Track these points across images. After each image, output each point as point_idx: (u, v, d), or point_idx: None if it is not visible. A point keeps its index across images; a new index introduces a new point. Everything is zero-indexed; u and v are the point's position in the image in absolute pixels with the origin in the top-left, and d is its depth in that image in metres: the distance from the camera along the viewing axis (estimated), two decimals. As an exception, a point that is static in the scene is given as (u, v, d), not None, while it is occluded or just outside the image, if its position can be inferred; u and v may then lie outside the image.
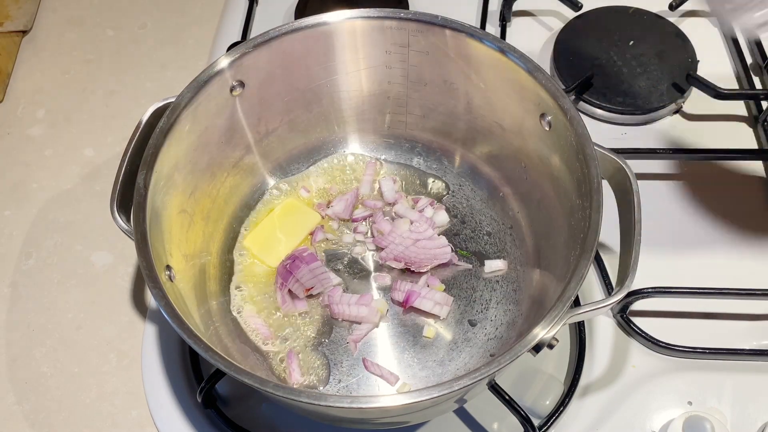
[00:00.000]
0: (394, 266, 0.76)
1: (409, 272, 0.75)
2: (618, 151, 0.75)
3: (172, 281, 0.62)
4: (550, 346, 0.56)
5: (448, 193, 0.82)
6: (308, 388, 0.70)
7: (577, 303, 0.74)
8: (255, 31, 1.02)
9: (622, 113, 0.90)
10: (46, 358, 0.81)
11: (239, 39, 0.99)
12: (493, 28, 1.00)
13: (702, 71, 0.91)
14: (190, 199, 0.71)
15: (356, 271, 0.77)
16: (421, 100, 0.79)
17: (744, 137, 0.89)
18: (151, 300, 0.82)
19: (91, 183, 0.95)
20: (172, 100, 0.67)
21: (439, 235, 0.77)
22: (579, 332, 0.73)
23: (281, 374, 0.71)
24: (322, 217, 0.80)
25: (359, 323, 0.73)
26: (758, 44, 0.95)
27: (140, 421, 0.77)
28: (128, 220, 0.63)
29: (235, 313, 0.75)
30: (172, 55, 1.08)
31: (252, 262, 0.78)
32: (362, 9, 0.71)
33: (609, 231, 0.62)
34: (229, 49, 0.84)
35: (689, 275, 0.77)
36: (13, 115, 1.02)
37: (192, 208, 0.71)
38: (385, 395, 0.54)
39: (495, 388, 0.66)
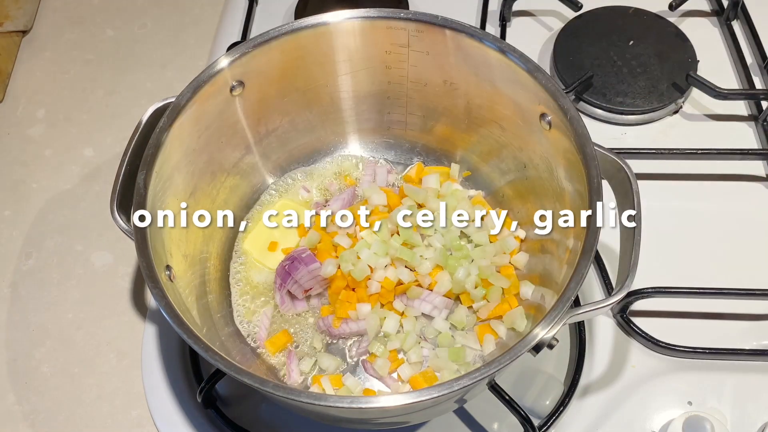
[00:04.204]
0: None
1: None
2: (618, 151, 0.75)
3: (172, 281, 0.62)
4: (550, 346, 0.56)
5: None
6: (308, 389, 0.70)
7: (577, 303, 0.74)
8: (255, 31, 1.02)
9: (622, 113, 0.90)
10: (46, 358, 0.81)
11: (239, 39, 0.99)
12: (493, 28, 1.00)
13: (702, 71, 0.91)
14: (190, 199, 0.71)
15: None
16: (421, 100, 0.79)
17: (744, 137, 0.89)
18: (151, 300, 0.82)
19: (91, 183, 0.95)
20: (172, 100, 0.67)
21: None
22: (579, 332, 0.73)
23: (280, 374, 0.71)
24: (318, 216, 0.79)
25: (362, 335, 0.73)
26: (758, 44, 0.95)
27: (140, 421, 0.77)
28: (128, 220, 0.63)
29: (234, 314, 0.75)
30: (172, 55, 1.08)
31: (251, 263, 0.78)
32: (362, 9, 0.71)
33: (609, 231, 0.62)
34: (229, 49, 0.84)
35: (689, 275, 0.77)
36: (13, 115, 1.02)
37: (192, 208, 0.71)
38: (385, 395, 0.54)
39: (495, 388, 0.66)
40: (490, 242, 0.76)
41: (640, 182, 0.63)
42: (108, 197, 0.65)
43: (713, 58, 0.96)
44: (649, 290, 0.73)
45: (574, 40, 0.96)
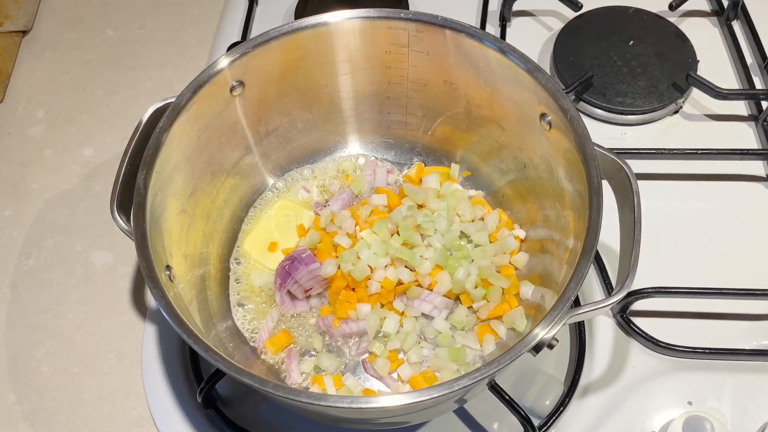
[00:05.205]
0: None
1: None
2: (618, 151, 0.76)
3: (172, 281, 0.62)
4: (550, 346, 0.56)
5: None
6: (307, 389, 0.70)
7: (577, 303, 0.74)
8: (255, 31, 1.02)
9: (622, 113, 0.90)
10: (46, 358, 0.81)
11: (239, 39, 0.99)
12: (493, 28, 1.00)
13: (702, 71, 0.91)
14: (190, 199, 0.71)
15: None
16: (421, 100, 0.79)
17: (744, 137, 0.89)
18: (151, 300, 0.82)
19: (91, 183, 0.95)
20: (172, 100, 0.67)
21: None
22: (579, 332, 0.73)
23: (280, 375, 0.71)
24: (318, 216, 0.80)
25: (362, 335, 0.73)
26: (758, 44, 0.95)
27: (140, 421, 0.77)
28: (128, 220, 0.63)
29: (234, 313, 0.75)
30: (172, 55, 1.08)
31: (251, 263, 0.78)
32: (362, 9, 0.72)
33: (609, 231, 0.62)
34: (229, 49, 0.84)
35: (689, 275, 0.77)
36: (13, 115, 1.02)
37: (192, 208, 0.71)
38: (385, 395, 0.54)
39: (495, 388, 0.66)
40: (490, 242, 0.76)
41: (640, 182, 0.63)
42: (108, 197, 0.65)
43: (713, 58, 0.96)
44: (649, 290, 0.73)
45: (574, 40, 0.96)
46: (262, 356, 0.72)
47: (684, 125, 0.91)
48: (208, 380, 0.68)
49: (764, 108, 0.89)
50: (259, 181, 0.82)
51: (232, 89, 0.71)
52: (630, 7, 0.99)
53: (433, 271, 0.73)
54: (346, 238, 0.75)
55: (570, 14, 0.99)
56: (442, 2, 0.95)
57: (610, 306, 0.57)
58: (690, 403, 0.70)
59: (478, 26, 0.95)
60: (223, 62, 0.69)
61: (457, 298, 0.74)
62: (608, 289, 0.77)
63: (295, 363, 0.71)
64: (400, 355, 0.71)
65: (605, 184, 0.63)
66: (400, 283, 0.73)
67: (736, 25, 0.99)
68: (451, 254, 0.74)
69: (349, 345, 0.73)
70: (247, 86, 0.72)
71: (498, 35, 0.98)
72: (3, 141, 1.00)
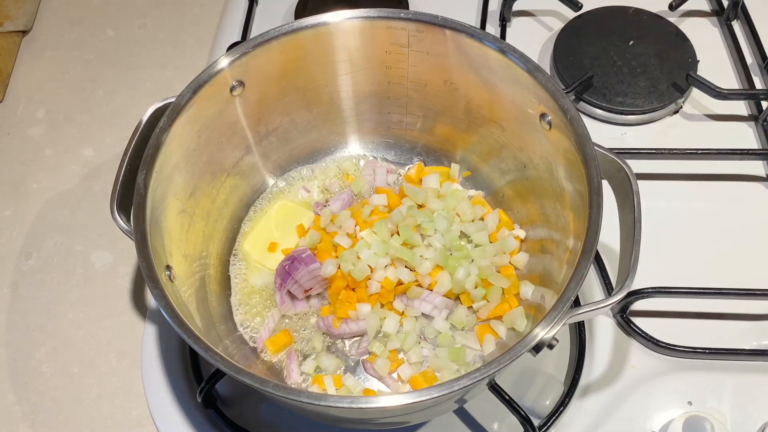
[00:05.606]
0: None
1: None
2: (618, 151, 0.76)
3: (172, 281, 0.62)
4: (550, 346, 0.56)
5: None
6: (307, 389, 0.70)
7: (577, 303, 0.74)
8: (255, 31, 1.02)
9: (622, 113, 0.90)
10: (46, 358, 0.81)
11: (239, 39, 0.99)
12: (493, 28, 1.00)
13: (702, 71, 0.91)
14: (190, 199, 0.71)
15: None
16: (421, 100, 0.79)
17: (744, 137, 0.89)
18: (151, 300, 0.82)
19: (91, 183, 0.95)
20: (172, 100, 0.67)
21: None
22: (579, 332, 0.73)
23: (280, 374, 0.71)
24: (318, 216, 0.80)
25: (362, 335, 0.73)
26: (758, 44, 0.95)
27: (140, 421, 0.77)
28: (128, 220, 0.63)
29: (234, 313, 0.75)
30: (172, 55, 1.08)
31: (251, 263, 0.78)
32: (362, 9, 0.72)
33: (609, 231, 0.62)
34: (229, 49, 0.84)
35: (689, 275, 0.77)
36: (13, 115, 1.02)
37: (192, 208, 0.71)
38: (385, 395, 0.54)
39: (495, 388, 0.66)
40: (490, 242, 0.76)
41: (640, 182, 0.63)
42: (108, 197, 0.65)
43: (713, 58, 0.96)
44: (649, 290, 0.73)
45: (574, 40, 0.96)
46: (262, 356, 0.72)
47: (684, 125, 0.91)
48: (208, 380, 0.68)
49: (764, 108, 0.89)
50: (259, 181, 0.82)
51: (232, 89, 0.71)
52: (630, 7, 0.99)
53: (433, 271, 0.73)
54: (346, 238, 0.75)
55: (570, 14, 0.99)
56: (442, 2, 0.95)
57: (610, 306, 0.57)
58: (690, 403, 0.70)
59: (478, 26, 0.95)
60: (223, 62, 0.69)
61: (457, 298, 0.74)
62: (608, 289, 0.77)
63: (295, 363, 0.71)
64: (400, 355, 0.71)
65: (605, 184, 0.63)
66: (400, 283, 0.73)
67: (736, 25, 0.99)
68: (451, 254, 0.74)
69: (349, 345, 0.73)
70: (247, 86, 0.72)
71: (498, 35, 0.98)
72: (3, 141, 1.00)
